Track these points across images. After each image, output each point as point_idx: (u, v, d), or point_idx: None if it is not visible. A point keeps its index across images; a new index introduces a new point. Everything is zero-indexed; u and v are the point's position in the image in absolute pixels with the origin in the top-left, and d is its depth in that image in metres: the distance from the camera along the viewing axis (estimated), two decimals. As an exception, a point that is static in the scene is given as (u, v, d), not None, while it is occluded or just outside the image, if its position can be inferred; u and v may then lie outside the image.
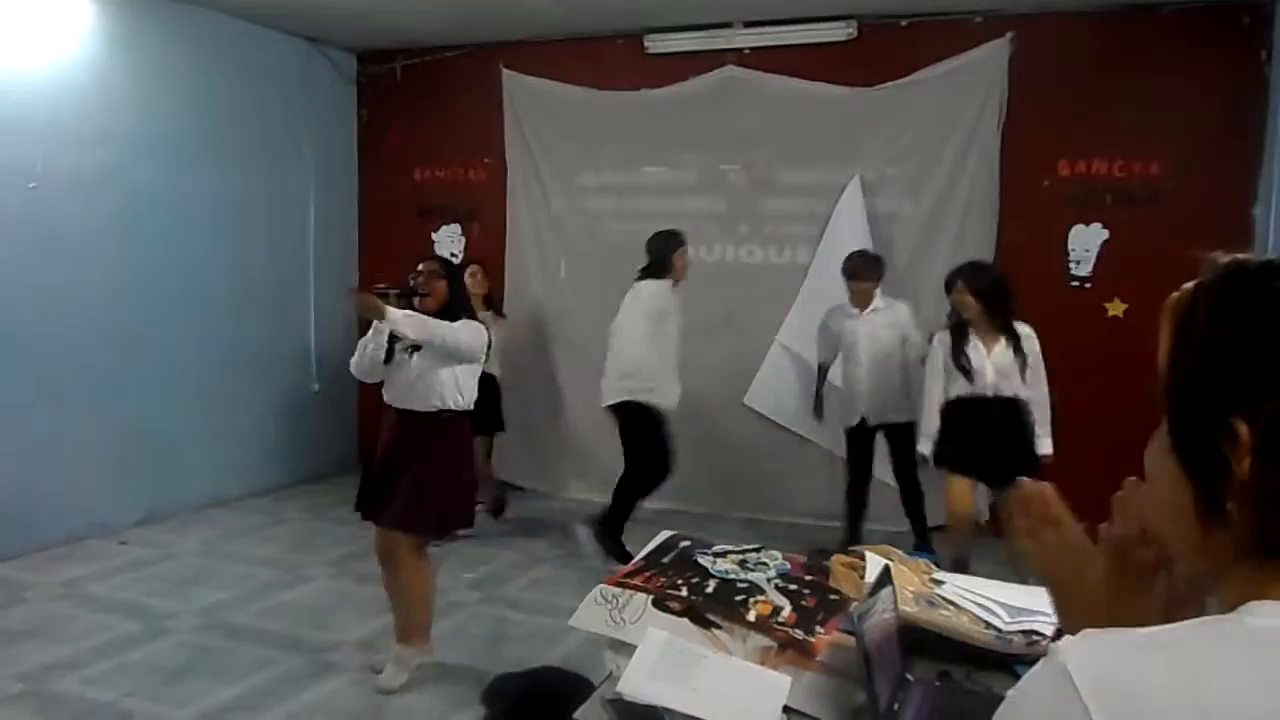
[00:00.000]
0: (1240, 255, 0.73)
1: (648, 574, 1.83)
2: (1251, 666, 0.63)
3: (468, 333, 3.79)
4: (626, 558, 4.45)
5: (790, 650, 1.60)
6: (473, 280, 5.77)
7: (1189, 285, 0.75)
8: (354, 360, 3.90)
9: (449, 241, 7.31)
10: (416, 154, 7.34)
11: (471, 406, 3.91)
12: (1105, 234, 5.79)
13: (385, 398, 3.88)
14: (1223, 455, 0.70)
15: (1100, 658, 0.67)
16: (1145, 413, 0.78)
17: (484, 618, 4.52)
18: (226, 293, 6.38)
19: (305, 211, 7.05)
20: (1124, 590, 0.95)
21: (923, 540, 5.17)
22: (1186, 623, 0.69)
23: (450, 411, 3.80)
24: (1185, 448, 0.74)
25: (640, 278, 5.33)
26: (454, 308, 3.87)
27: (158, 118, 5.93)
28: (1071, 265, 5.84)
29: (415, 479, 3.74)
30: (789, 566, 1.89)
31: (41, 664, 3.95)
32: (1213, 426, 0.70)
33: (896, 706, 1.50)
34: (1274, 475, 0.68)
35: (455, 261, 6.10)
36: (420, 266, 3.94)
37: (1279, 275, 0.70)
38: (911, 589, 1.81)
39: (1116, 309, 5.71)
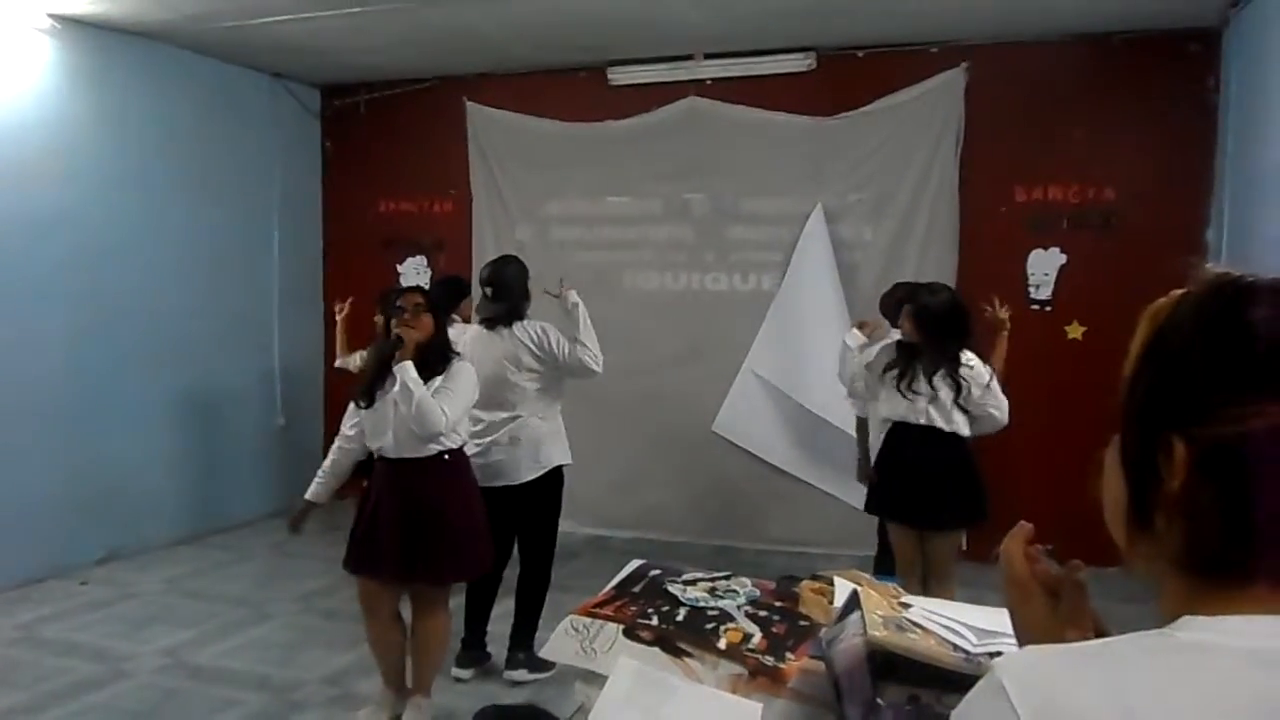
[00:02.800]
0: (1231, 273, 0.73)
1: (618, 603, 1.83)
2: (1182, 679, 0.65)
3: (432, 401, 3.52)
4: None
5: (761, 677, 1.60)
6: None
7: (1176, 293, 0.75)
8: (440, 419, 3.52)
9: (414, 274, 7.29)
10: (381, 187, 7.33)
11: (467, 438, 3.81)
12: (1063, 258, 5.89)
13: (373, 447, 3.67)
14: (1158, 468, 0.71)
15: (1034, 673, 0.69)
16: (1104, 433, 0.80)
17: (454, 651, 4.47)
18: (189, 328, 6.32)
19: (269, 246, 7.02)
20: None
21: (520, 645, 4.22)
22: (1121, 637, 0.71)
23: (452, 451, 3.65)
24: (1127, 455, 0.76)
25: None
26: (442, 344, 3.68)
27: (120, 153, 5.89)
28: (1031, 289, 5.94)
29: (442, 528, 3.58)
30: (759, 593, 1.89)
31: (0, 709, 3.87)
32: (1153, 439, 0.71)
33: (867, 731, 1.50)
34: (1204, 497, 0.69)
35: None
36: (400, 301, 3.67)
37: (1253, 300, 0.70)
38: (880, 613, 1.81)
39: (1076, 332, 5.80)
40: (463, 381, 3.65)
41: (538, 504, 4.33)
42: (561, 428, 4.40)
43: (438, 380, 3.60)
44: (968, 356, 4.06)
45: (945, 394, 4.03)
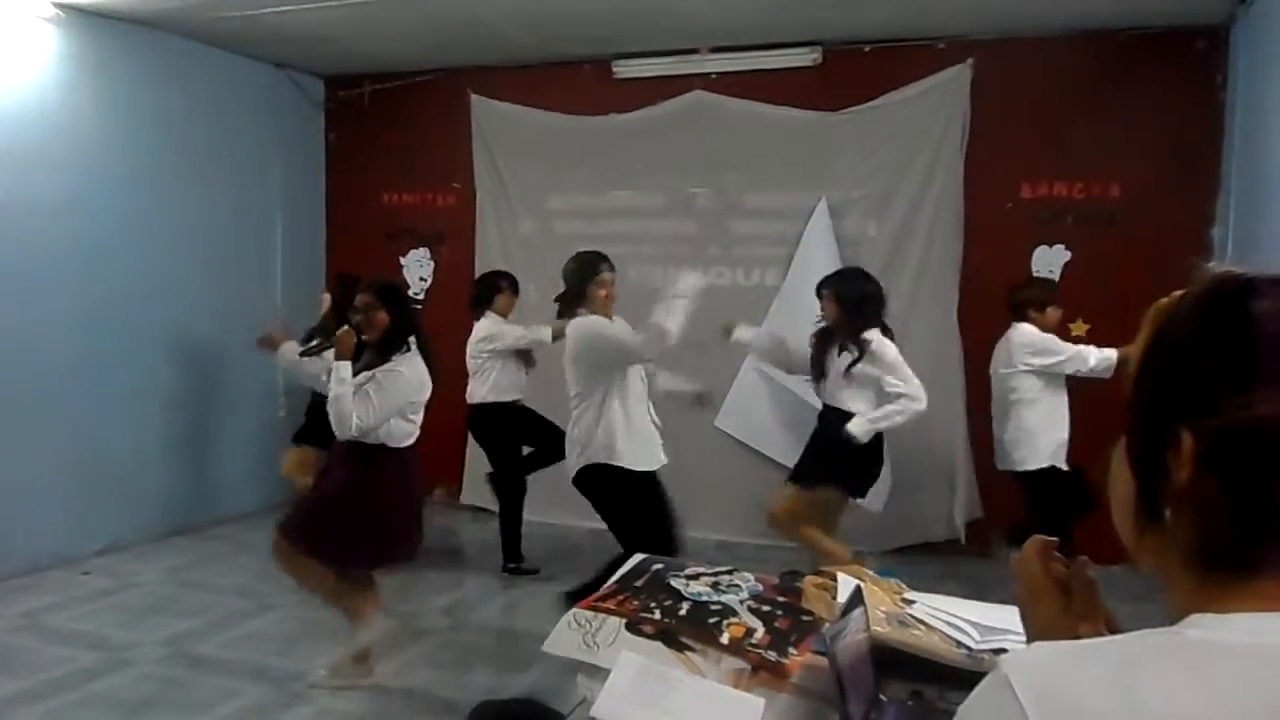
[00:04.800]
0: (1233, 269, 0.74)
1: (621, 597, 1.83)
2: (1189, 678, 0.65)
3: (349, 404, 3.62)
4: None
5: (764, 672, 1.60)
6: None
7: (1178, 293, 0.76)
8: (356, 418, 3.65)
9: (418, 265, 7.29)
10: (385, 178, 7.32)
11: (402, 444, 3.78)
12: (1067, 255, 5.87)
13: None
14: (1166, 462, 0.71)
15: (1042, 669, 0.69)
16: (1109, 428, 0.80)
17: (455, 644, 4.48)
18: (191, 318, 6.32)
19: (272, 237, 7.01)
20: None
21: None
22: (1129, 634, 0.71)
23: (359, 443, 3.70)
24: (1135, 449, 0.76)
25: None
26: (394, 339, 3.74)
27: (122, 143, 5.88)
28: (1035, 286, 5.91)
29: (319, 497, 3.89)
30: (761, 588, 1.89)
31: (1, 697, 3.86)
32: (1161, 432, 0.72)
33: (870, 727, 1.50)
34: (1211, 489, 0.69)
35: (397, 284, 5.28)
36: (357, 301, 3.79)
37: (1256, 293, 0.71)
38: (883, 609, 1.81)
39: (1079, 329, 5.78)
40: (390, 385, 3.68)
41: (593, 500, 4.23)
42: (611, 423, 4.12)
43: (371, 373, 3.71)
44: (872, 334, 4.44)
45: (838, 367, 4.48)
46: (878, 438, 4.55)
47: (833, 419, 4.52)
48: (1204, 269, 0.75)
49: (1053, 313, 4.88)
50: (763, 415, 6.27)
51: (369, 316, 3.73)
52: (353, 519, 3.72)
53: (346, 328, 3.80)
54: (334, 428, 3.72)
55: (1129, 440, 0.77)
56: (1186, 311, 0.74)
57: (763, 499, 6.28)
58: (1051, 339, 4.78)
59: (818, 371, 4.65)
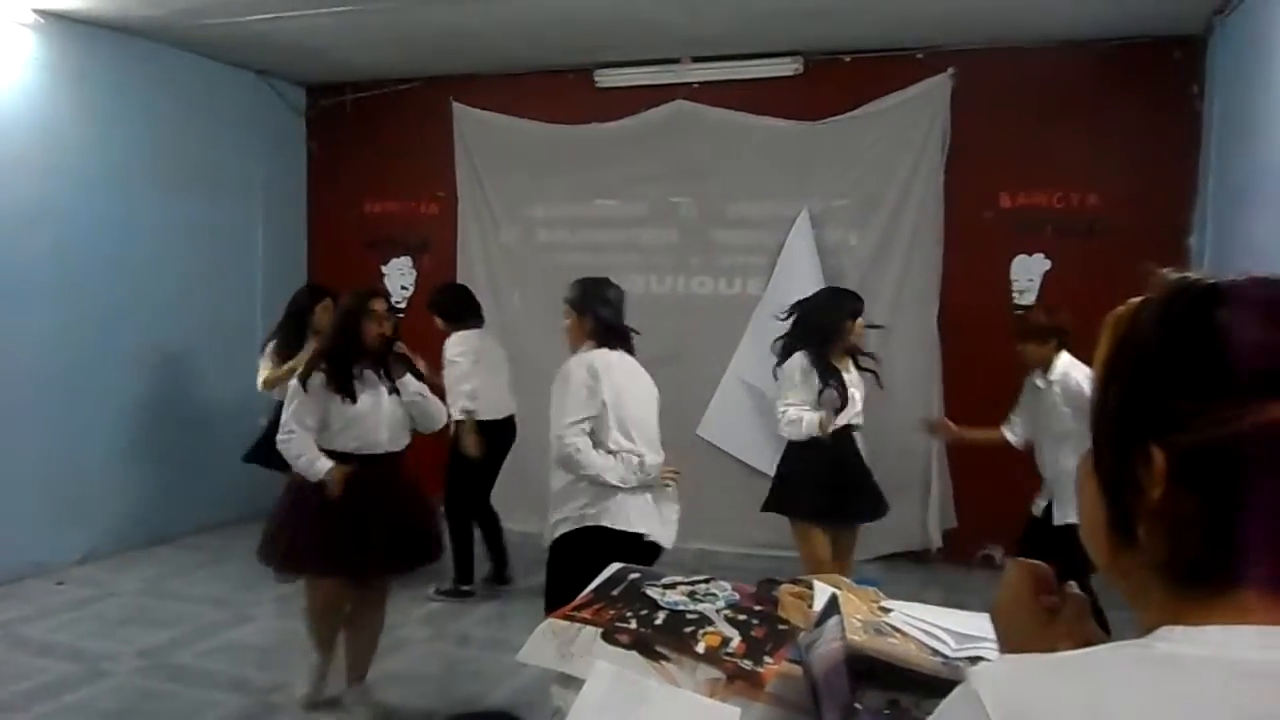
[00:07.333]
0: (1190, 275, 0.71)
1: (597, 606, 1.82)
2: (1158, 690, 0.64)
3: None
4: None
5: (739, 681, 1.59)
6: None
7: (1134, 301, 0.73)
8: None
9: (399, 274, 7.26)
10: (367, 187, 7.31)
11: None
12: (1047, 264, 5.91)
13: (356, 442, 3.75)
14: (1137, 479, 0.69)
15: (1010, 682, 0.68)
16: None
17: (434, 655, 4.45)
18: (171, 327, 6.28)
19: (253, 245, 6.98)
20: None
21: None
22: (1099, 647, 0.69)
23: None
24: (1104, 467, 0.74)
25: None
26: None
27: (103, 150, 5.85)
28: (1015, 295, 5.95)
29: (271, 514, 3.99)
30: (738, 597, 1.89)
31: (-27, 711, 3.83)
32: (1130, 450, 0.70)
33: (845, 736, 1.50)
34: (1185, 505, 0.67)
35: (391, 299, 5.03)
36: (374, 305, 3.81)
37: (1219, 302, 0.68)
38: (860, 617, 1.81)
39: (1059, 337, 5.80)
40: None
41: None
42: (574, 488, 3.40)
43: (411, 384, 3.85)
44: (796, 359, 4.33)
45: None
46: (825, 460, 4.26)
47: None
48: (1161, 276, 0.73)
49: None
50: (745, 424, 6.26)
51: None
52: (296, 525, 3.73)
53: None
54: (429, 424, 3.99)
55: (1096, 458, 0.74)
56: (1148, 322, 0.71)
57: (744, 508, 6.29)
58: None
59: None
